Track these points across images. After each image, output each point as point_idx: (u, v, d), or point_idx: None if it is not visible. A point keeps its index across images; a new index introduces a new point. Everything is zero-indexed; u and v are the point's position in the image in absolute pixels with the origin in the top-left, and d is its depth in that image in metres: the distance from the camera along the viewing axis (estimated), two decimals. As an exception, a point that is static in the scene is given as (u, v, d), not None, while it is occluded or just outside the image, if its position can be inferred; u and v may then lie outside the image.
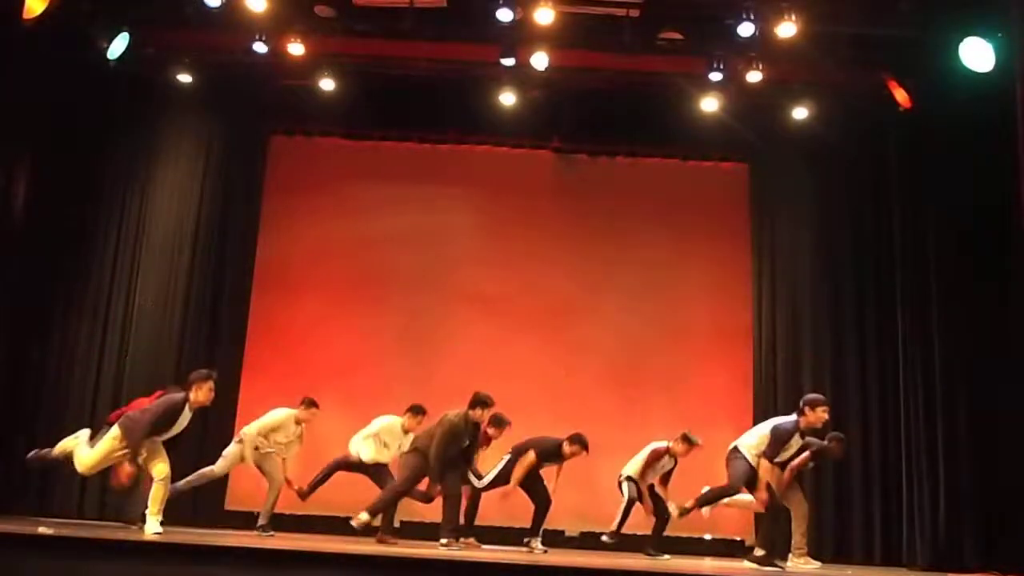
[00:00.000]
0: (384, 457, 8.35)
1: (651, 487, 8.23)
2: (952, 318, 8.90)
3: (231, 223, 10.28)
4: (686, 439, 8.09)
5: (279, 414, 8.33)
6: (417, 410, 8.31)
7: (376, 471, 8.33)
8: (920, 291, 9.16)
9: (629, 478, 8.23)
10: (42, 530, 6.35)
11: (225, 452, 8.38)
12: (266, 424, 8.29)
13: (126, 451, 6.87)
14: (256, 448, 8.24)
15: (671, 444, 8.14)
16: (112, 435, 6.95)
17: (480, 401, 7.77)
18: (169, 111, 10.22)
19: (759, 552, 7.33)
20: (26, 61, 8.80)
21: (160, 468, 6.86)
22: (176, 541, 5.90)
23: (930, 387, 8.92)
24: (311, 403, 8.36)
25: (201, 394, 6.97)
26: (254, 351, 10.08)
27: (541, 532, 8.08)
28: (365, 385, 9.50)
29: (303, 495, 8.34)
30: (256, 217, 10.48)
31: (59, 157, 9.66)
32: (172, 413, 6.92)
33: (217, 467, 8.33)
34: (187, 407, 6.96)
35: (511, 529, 8.53)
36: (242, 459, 8.31)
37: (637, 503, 8.18)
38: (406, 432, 8.32)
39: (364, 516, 7.79)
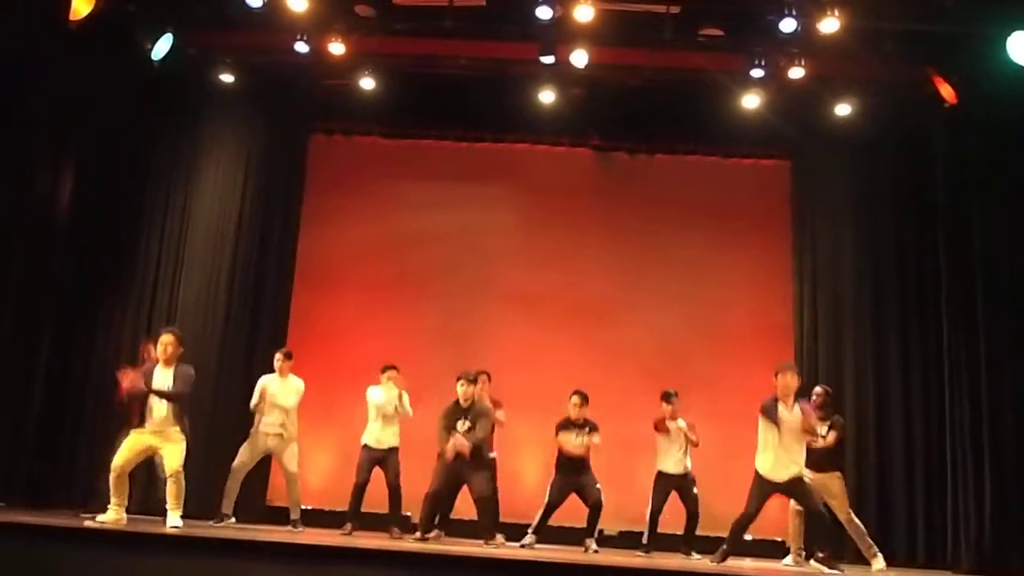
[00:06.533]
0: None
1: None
2: (998, 317, 8.75)
3: (272, 221, 10.36)
4: (665, 397, 8.44)
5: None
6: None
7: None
8: (964, 290, 9.02)
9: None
10: (88, 523, 6.45)
11: None
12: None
13: None
14: (262, 433, 8.23)
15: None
16: None
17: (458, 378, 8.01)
18: (211, 111, 10.35)
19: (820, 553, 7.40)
20: (72, 62, 8.98)
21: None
22: (216, 536, 5.97)
23: (975, 387, 8.79)
24: (286, 355, 8.46)
25: None
26: (294, 348, 10.06)
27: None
28: (404, 382, 9.52)
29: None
30: (297, 215, 10.56)
31: (104, 157, 9.84)
32: None
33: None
34: None
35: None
36: (252, 448, 8.31)
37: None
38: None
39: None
